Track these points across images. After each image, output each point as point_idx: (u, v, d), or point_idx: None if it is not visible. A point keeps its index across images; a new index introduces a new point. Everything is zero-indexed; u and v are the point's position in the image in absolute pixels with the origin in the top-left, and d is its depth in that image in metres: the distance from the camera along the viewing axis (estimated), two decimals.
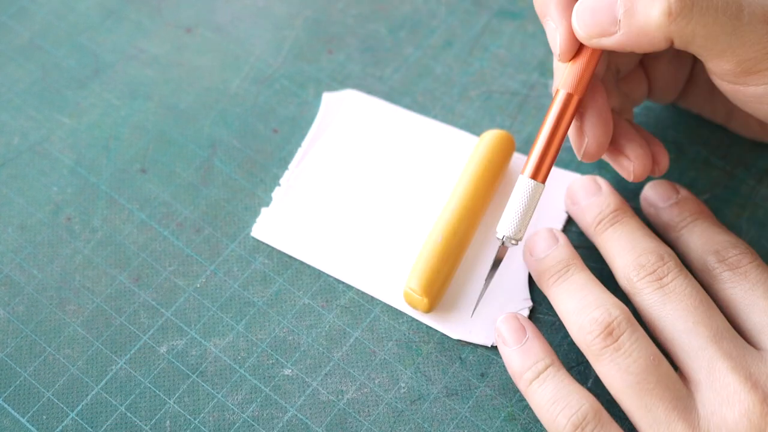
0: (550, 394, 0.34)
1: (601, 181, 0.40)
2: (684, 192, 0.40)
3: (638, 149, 0.38)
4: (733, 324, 0.35)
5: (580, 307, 0.35)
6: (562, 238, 0.39)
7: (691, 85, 0.43)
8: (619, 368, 0.33)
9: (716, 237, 0.38)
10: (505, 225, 0.36)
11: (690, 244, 0.38)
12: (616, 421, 0.34)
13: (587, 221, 0.39)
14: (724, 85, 0.35)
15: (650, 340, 0.34)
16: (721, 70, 0.34)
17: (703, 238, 0.38)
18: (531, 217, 0.36)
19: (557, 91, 0.36)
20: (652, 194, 0.41)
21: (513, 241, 0.36)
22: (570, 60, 0.36)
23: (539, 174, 0.36)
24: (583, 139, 0.37)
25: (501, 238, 0.36)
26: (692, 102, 0.43)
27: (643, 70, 0.42)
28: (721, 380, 0.33)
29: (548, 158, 0.36)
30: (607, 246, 0.38)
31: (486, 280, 0.38)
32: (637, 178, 0.38)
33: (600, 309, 0.34)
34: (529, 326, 0.37)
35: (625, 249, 0.37)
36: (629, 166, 0.38)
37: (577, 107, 0.36)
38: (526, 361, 0.35)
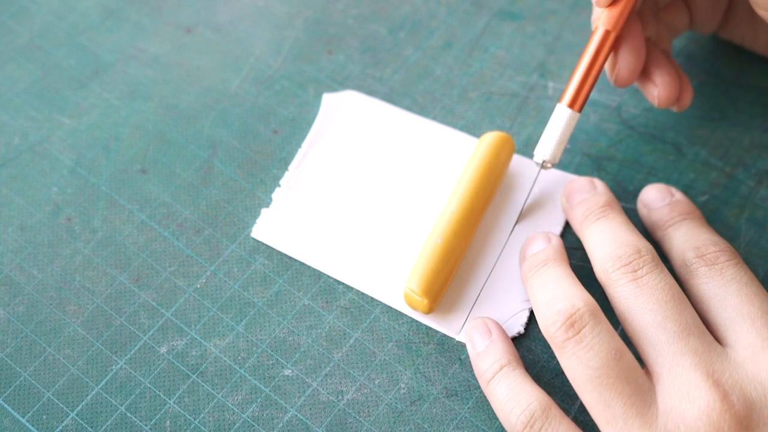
0: (504, 393, 0.35)
1: (597, 182, 0.41)
2: (678, 195, 0.41)
3: (665, 76, 0.40)
4: (704, 319, 0.36)
5: (548, 298, 0.35)
6: (555, 240, 0.39)
7: (732, 13, 0.44)
8: (580, 362, 0.33)
9: (699, 235, 0.38)
10: (542, 150, 0.40)
11: (673, 241, 0.39)
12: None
13: (576, 217, 0.40)
14: (763, 13, 0.37)
15: (615, 334, 0.34)
16: None
17: (686, 236, 0.38)
18: (566, 143, 0.40)
19: (596, 27, 0.39)
20: (647, 196, 0.41)
21: (548, 165, 0.40)
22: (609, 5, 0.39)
23: (576, 104, 0.40)
24: (615, 66, 0.40)
25: (539, 162, 0.40)
26: (733, 31, 0.44)
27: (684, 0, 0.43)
28: (684, 376, 0.33)
29: (585, 89, 0.40)
30: (589, 239, 0.38)
31: (522, 207, 0.42)
32: (661, 104, 0.41)
33: (565, 301, 0.34)
34: (495, 329, 0.38)
35: (606, 241, 0.37)
36: (654, 92, 0.40)
37: (615, 43, 0.39)
38: (486, 362, 0.36)
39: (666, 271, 0.36)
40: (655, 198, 0.41)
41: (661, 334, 0.34)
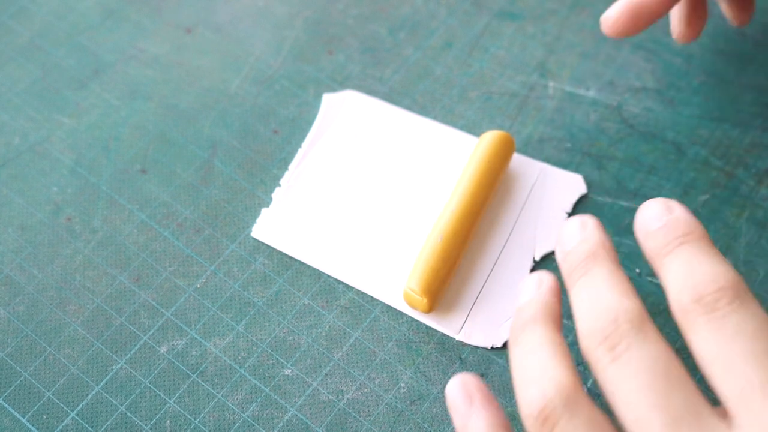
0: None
1: (587, 221, 0.33)
2: (678, 210, 0.33)
3: None
4: (708, 382, 0.30)
5: (522, 380, 0.30)
6: (545, 286, 0.33)
7: None
8: None
9: (698, 268, 0.31)
10: None
11: (669, 276, 0.31)
12: None
13: (564, 272, 0.33)
14: None
15: (596, 421, 0.29)
16: None
17: (681, 270, 0.31)
18: None
19: None
20: (642, 216, 0.33)
21: None
22: None
23: None
24: None
25: None
26: None
27: None
28: None
29: None
30: (573, 305, 0.32)
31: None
32: None
33: (536, 386, 0.29)
34: (479, 393, 0.32)
35: (587, 309, 0.31)
36: None
37: None
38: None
39: (651, 334, 0.30)
40: (650, 217, 0.33)
41: (648, 427, 0.28)
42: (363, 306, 0.40)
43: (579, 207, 0.43)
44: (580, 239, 0.33)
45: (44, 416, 0.37)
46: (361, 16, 0.49)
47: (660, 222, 0.33)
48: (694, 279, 0.31)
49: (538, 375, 0.30)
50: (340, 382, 0.38)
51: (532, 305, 0.32)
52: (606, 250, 0.33)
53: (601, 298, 0.31)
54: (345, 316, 0.40)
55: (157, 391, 0.38)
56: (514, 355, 0.31)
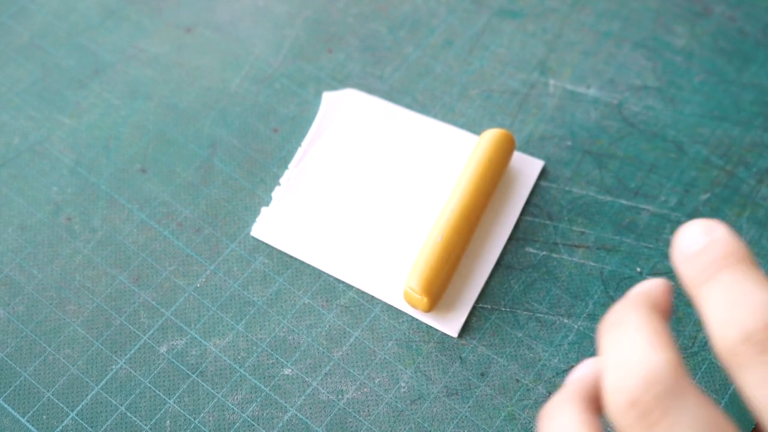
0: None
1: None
2: (720, 232, 0.28)
3: None
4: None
5: (615, 362, 0.27)
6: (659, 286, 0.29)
7: None
8: None
9: (743, 298, 0.27)
10: None
11: (710, 308, 0.28)
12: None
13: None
14: None
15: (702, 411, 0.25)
16: None
17: (725, 300, 0.27)
18: None
19: None
20: (680, 239, 0.29)
21: None
22: None
23: None
24: None
25: None
26: None
27: None
28: None
29: None
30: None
31: None
32: None
33: (628, 372, 0.26)
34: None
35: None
36: None
37: None
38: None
39: (688, 393, 0.26)
40: (688, 241, 0.29)
41: None
42: (363, 305, 0.40)
43: (579, 204, 0.43)
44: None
45: (44, 416, 0.37)
46: (361, 14, 0.49)
47: (698, 245, 0.29)
48: (739, 313, 0.27)
49: (635, 359, 0.26)
50: (340, 382, 0.38)
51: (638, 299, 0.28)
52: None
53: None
54: (345, 316, 0.40)
55: (157, 391, 0.38)
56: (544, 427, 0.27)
